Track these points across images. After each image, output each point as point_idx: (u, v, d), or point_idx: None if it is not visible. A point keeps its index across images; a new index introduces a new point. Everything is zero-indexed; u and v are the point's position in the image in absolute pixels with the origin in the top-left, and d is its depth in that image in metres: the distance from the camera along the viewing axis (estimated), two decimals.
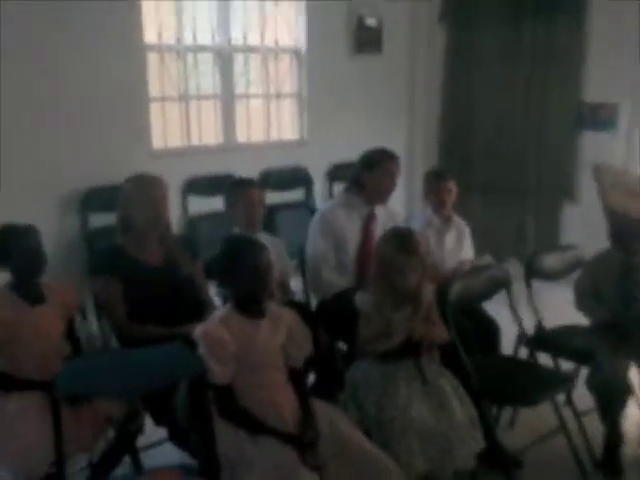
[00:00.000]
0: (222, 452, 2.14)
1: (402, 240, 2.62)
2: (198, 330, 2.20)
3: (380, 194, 3.33)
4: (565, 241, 5.50)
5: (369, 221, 3.34)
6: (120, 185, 3.00)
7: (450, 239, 3.56)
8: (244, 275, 2.23)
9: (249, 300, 2.27)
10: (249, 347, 2.21)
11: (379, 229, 3.31)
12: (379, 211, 3.39)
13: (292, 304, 2.79)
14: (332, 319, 3.00)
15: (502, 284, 3.01)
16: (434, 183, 3.58)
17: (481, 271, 3.09)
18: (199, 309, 2.89)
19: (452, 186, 3.53)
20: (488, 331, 3.20)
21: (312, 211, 5.38)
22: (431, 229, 3.52)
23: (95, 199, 4.46)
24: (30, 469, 2.30)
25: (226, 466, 2.12)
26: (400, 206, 5.67)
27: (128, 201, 2.87)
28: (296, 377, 2.35)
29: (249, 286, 2.24)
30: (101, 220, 4.47)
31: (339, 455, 2.16)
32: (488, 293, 3.03)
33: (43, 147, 4.22)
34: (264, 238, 3.16)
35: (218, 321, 2.24)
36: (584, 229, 5.33)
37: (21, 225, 2.54)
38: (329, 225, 3.26)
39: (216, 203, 4.92)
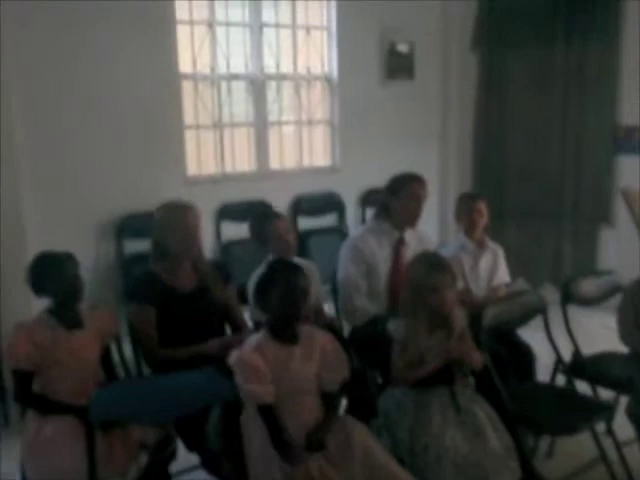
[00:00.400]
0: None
1: (432, 259, 2.64)
2: (233, 357, 2.21)
3: (408, 218, 3.32)
4: (602, 266, 5.41)
5: (399, 246, 3.33)
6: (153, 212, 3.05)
7: (485, 263, 3.52)
8: (278, 297, 2.23)
9: (283, 324, 2.26)
10: (282, 374, 2.21)
11: (410, 254, 3.28)
12: (409, 236, 3.37)
13: (328, 327, 2.78)
14: (364, 345, 2.99)
15: (538, 310, 2.96)
16: (465, 205, 3.56)
17: (516, 296, 3.04)
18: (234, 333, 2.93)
19: (483, 207, 3.51)
20: (523, 358, 3.15)
21: (345, 236, 5.40)
22: (465, 253, 3.49)
23: (131, 226, 4.52)
24: None
25: None
26: (433, 231, 5.66)
27: (161, 228, 2.91)
28: (329, 400, 2.32)
29: (283, 309, 2.24)
30: (136, 246, 4.54)
31: (371, 475, 2.13)
32: (523, 319, 2.98)
33: (80, 175, 4.30)
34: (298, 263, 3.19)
35: (253, 347, 2.24)
36: (621, 254, 5.26)
37: (59, 252, 2.59)
38: (360, 252, 3.26)
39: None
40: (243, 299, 3.13)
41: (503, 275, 3.59)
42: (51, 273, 2.50)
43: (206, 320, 2.84)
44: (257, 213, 3.56)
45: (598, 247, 5.60)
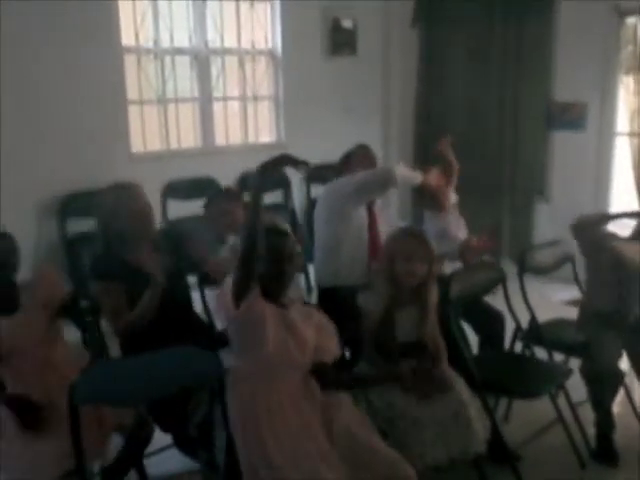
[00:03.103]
0: (242, 457, 2.12)
1: (410, 230, 2.70)
2: (242, 308, 2.15)
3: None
4: (538, 238, 5.63)
5: (371, 205, 3.36)
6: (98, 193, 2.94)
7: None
8: (265, 259, 2.22)
9: (273, 284, 2.25)
10: (274, 329, 2.19)
11: (378, 211, 3.41)
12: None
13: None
14: (332, 318, 3.01)
15: (498, 280, 3.06)
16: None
17: (477, 269, 3.14)
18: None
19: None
20: (494, 324, 3.26)
21: (291, 212, 5.42)
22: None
23: (74, 204, 4.39)
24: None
25: (247, 471, 2.10)
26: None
27: (110, 213, 2.77)
28: (324, 372, 2.31)
29: (275, 269, 2.23)
30: (80, 226, 4.41)
31: (354, 458, 2.15)
32: (485, 290, 3.08)
33: (20, 152, 4.13)
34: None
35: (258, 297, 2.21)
36: (555, 226, 5.48)
37: None
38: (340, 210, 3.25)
39: (196, 206, 4.92)
40: None
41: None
42: None
43: (174, 301, 2.78)
44: (212, 193, 3.55)
45: (533, 220, 5.82)
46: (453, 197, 3.62)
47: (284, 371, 2.23)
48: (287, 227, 2.75)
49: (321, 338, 2.30)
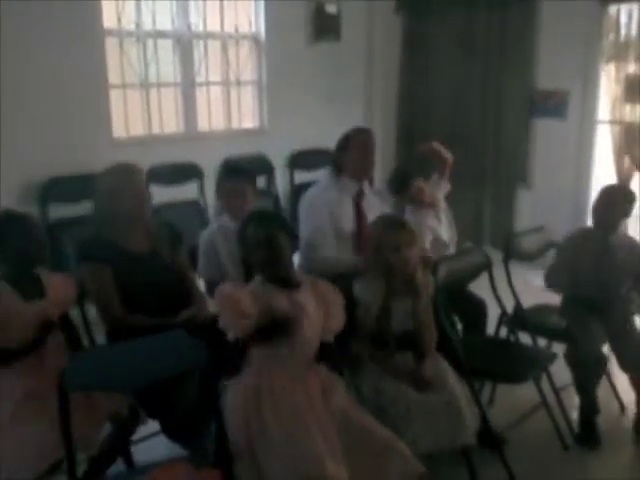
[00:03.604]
0: (233, 442, 2.12)
1: (391, 218, 2.69)
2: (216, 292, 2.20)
3: (361, 169, 3.31)
4: (519, 225, 5.68)
5: (359, 199, 3.32)
6: (93, 176, 2.91)
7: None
8: (251, 245, 2.25)
9: (273, 271, 2.26)
10: (279, 312, 2.21)
11: (371, 211, 3.31)
12: (368, 192, 3.38)
13: None
14: None
15: (484, 267, 3.08)
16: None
17: (463, 255, 3.16)
18: (186, 297, 2.87)
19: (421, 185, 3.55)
20: (477, 311, 3.28)
21: (275, 198, 5.40)
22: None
23: (55, 190, 4.35)
24: (25, 472, 2.22)
25: (240, 455, 2.10)
26: None
27: (111, 193, 2.77)
28: (325, 350, 2.34)
29: (260, 256, 2.24)
30: (62, 211, 4.36)
31: (350, 437, 2.18)
32: (471, 276, 3.10)
33: (0, 136, 4.04)
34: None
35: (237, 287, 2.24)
36: (536, 213, 5.53)
37: (18, 212, 2.44)
38: (322, 206, 3.20)
39: (179, 192, 4.89)
40: (194, 262, 3.08)
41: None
42: (12, 233, 2.33)
43: (163, 283, 2.78)
44: (228, 168, 3.46)
45: (515, 207, 5.86)
46: (444, 189, 3.61)
47: (294, 353, 2.24)
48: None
49: (328, 317, 2.32)
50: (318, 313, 2.30)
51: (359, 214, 3.29)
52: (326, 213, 3.18)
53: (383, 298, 2.54)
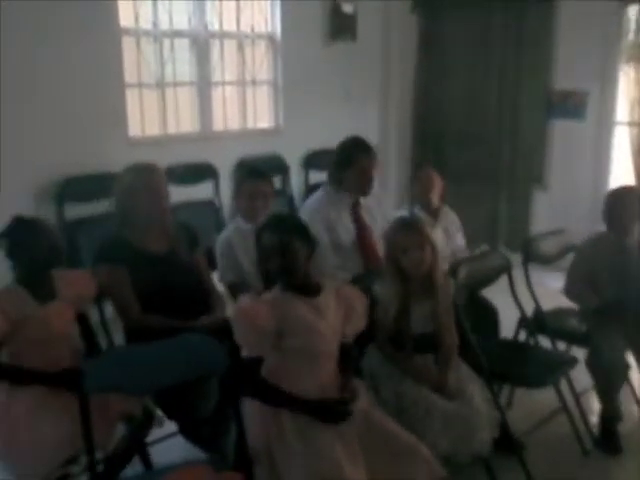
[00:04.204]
0: (258, 436, 2.11)
1: (403, 221, 2.69)
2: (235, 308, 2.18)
3: (361, 188, 3.29)
4: (535, 227, 5.64)
5: (357, 209, 3.32)
6: (109, 175, 2.89)
7: (439, 234, 3.55)
8: (266, 253, 2.22)
9: (283, 277, 2.22)
10: (299, 327, 2.17)
11: (368, 216, 3.33)
12: (365, 199, 3.35)
13: None
14: None
15: (503, 270, 3.05)
16: (415, 174, 3.61)
17: (483, 257, 3.13)
18: (204, 298, 2.86)
19: (432, 175, 3.55)
20: (489, 315, 3.25)
21: (289, 198, 5.39)
22: None
23: (72, 189, 4.35)
24: (40, 470, 2.23)
25: (263, 454, 2.09)
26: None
27: (129, 193, 2.77)
28: (345, 352, 2.31)
29: (275, 263, 2.21)
30: (78, 211, 4.37)
31: (374, 441, 2.15)
32: (490, 279, 3.07)
33: (18, 137, 4.05)
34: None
35: (258, 300, 2.21)
36: (552, 214, 5.49)
37: (34, 217, 2.46)
38: (320, 217, 3.19)
39: (194, 192, 4.88)
40: (211, 263, 3.07)
41: (458, 241, 3.67)
42: (30, 240, 2.35)
43: (181, 283, 2.76)
44: (246, 168, 3.43)
45: (531, 209, 5.81)
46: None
47: (314, 357, 2.22)
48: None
49: (348, 321, 2.29)
50: (337, 317, 2.27)
51: (359, 224, 3.27)
52: (323, 230, 3.13)
53: (400, 299, 2.53)
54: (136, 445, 2.49)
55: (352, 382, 2.28)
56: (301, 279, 2.24)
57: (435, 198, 3.66)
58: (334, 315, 2.26)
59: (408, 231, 2.56)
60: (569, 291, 3.24)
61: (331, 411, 2.14)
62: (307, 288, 2.25)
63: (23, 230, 2.37)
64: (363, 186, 3.28)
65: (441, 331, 2.54)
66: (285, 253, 2.20)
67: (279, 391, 2.15)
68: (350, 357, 2.34)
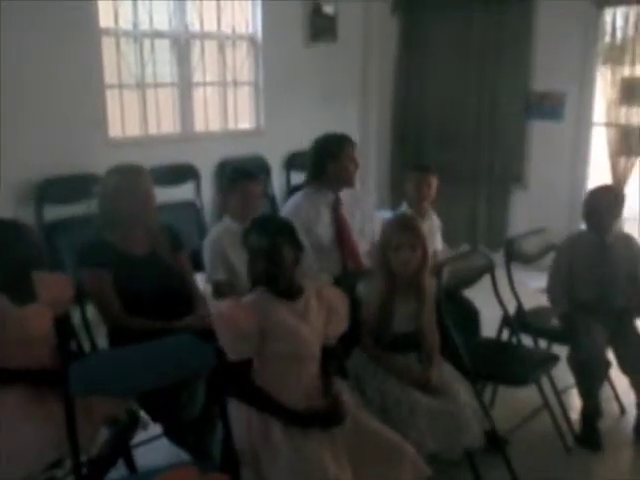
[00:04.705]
0: (243, 437, 2.11)
1: (400, 219, 2.69)
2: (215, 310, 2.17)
3: (345, 179, 3.30)
4: (514, 227, 5.69)
5: (337, 207, 3.31)
6: (89, 176, 2.85)
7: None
8: (253, 255, 2.20)
9: (270, 280, 2.21)
10: (281, 331, 2.17)
11: (346, 213, 3.32)
12: (345, 196, 3.36)
13: None
14: None
15: (486, 269, 3.08)
16: (414, 176, 3.61)
17: (466, 257, 3.15)
18: (187, 299, 2.84)
19: (433, 181, 3.58)
20: (469, 314, 3.27)
21: (271, 200, 5.38)
22: None
23: (51, 190, 4.30)
24: (22, 473, 2.19)
25: (248, 456, 2.09)
26: None
27: (115, 195, 2.74)
28: (327, 355, 2.31)
29: (260, 266, 2.20)
30: (57, 212, 4.32)
31: (360, 441, 2.16)
32: (473, 279, 3.09)
33: None
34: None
35: (240, 303, 2.20)
36: (531, 214, 5.54)
37: (10, 220, 2.43)
38: (300, 227, 3.18)
39: (175, 193, 4.86)
40: (196, 264, 3.06)
41: (437, 243, 3.71)
42: (7, 242, 2.32)
43: (165, 285, 2.75)
44: (236, 169, 3.43)
45: (510, 208, 5.87)
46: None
47: (298, 361, 2.22)
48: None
49: (330, 323, 2.29)
50: (320, 319, 2.26)
51: (339, 222, 3.27)
52: (302, 234, 3.11)
53: (384, 296, 2.54)
54: (121, 448, 2.46)
55: (334, 385, 2.28)
56: (284, 285, 2.23)
57: (429, 200, 3.67)
58: (316, 317, 2.25)
59: (404, 230, 2.57)
60: (549, 292, 3.30)
61: (318, 420, 2.14)
62: (289, 292, 2.24)
63: (1, 233, 2.34)
64: (349, 176, 3.28)
65: (424, 330, 2.56)
66: (273, 256, 2.18)
67: (267, 397, 2.15)
68: (332, 360, 2.34)
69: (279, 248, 2.19)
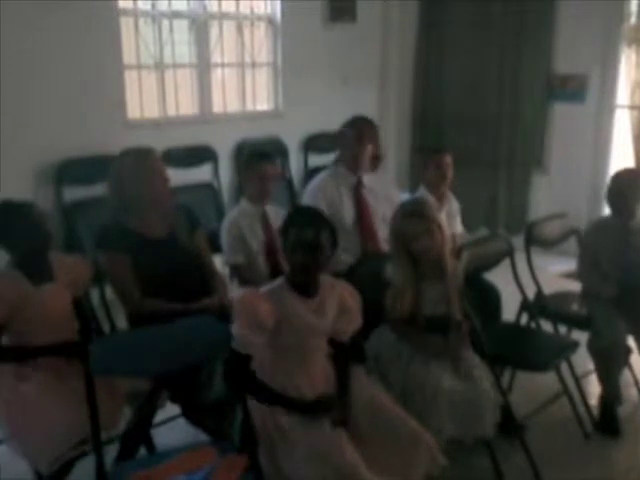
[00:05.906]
0: (258, 426, 2.11)
1: (407, 207, 2.64)
2: (238, 296, 2.17)
3: (375, 162, 3.39)
4: (534, 211, 5.63)
5: (358, 189, 3.34)
6: (108, 157, 2.85)
7: (442, 217, 3.54)
8: (289, 247, 2.17)
9: (297, 275, 2.20)
10: (294, 326, 2.17)
11: (372, 198, 3.35)
12: (370, 180, 3.39)
13: None
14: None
15: (506, 253, 3.05)
16: (431, 159, 3.57)
17: (486, 241, 3.12)
18: (206, 280, 2.84)
19: (449, 161, 3.54)
20: (490, 298, 3.24)
21: (288, 182, 5.37)
22: None
23: (70, 171, 4.32)
24: (51, 452, 2.22)
25: (264, 441, 2.09)
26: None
27: (129, 177, 2.72)
28: (340, 350, 2.32)
29: (292, 259, 2.18)
30: (76, 193, 4.34)
31: (378, 427, 2.16)
32: (493, 262, 3.06)
33: (16, 119, 4.02)
34: (270, 210, 3.14)
35: (261, 292, 2.19)
36: (552, 198, 5.49)
37: (21, 201, 2.44)
38: (321, 198, 3.23)
39: (193, 174, 4.86)
40: (214, 246, 3.06)
41: (457, 226, 3.68)
42: (17, 223, 2.35)
43: (183, 267, 2.75)
44: (253, 151, 3.45)
45: (530, 192, 5.80)
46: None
47: (305, 354, 2.23)
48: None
49: (341, 319, 2.28)
50: (330, 314, 2.25)
51: (360, 205, 3.29)
52: (326, 209, 3.09)
53: (413, 283, 2.53)
54: (148, 417, 2.47)
55: (348, 380, 2.28)
56: (310, 281, 2.22)
57: (447, 184, 3.63)
58: (328, 313, 2.24)
59: (416, 219, 2.53)
60: (582, 278, 3.25)
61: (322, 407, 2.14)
62: (308, 289, 2.23)
63: (11, 213, 2.36)
64: (377, 159, 3.35)
65: (452, 312, 2.54)
66: (314, 250, 2.15)
67: (265, 387, 2.16)
68: (344, 357, 2.33)
69: (322, 243, 2.17)
